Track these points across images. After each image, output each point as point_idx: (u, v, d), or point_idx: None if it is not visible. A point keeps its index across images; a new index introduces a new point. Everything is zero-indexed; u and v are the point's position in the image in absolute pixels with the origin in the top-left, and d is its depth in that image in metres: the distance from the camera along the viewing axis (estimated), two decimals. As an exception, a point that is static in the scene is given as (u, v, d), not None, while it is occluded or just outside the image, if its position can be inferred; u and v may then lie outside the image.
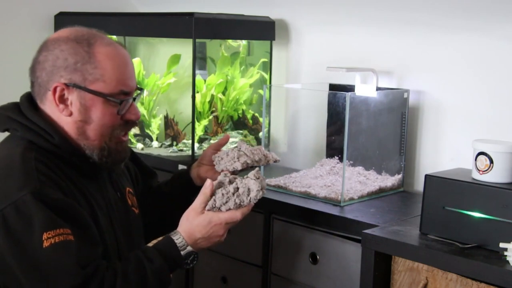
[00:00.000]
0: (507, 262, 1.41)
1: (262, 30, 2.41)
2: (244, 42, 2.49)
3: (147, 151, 2.46)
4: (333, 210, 1.85)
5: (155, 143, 2.55)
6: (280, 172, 2.19)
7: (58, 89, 1.41)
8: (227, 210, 1.50)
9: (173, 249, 1.46)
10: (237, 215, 1.51)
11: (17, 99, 1.51)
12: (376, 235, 1.61)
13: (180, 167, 2.23)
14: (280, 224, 1.95)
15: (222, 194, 1.50)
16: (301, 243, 1.89)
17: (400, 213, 1.84)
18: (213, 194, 1.51)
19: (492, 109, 1.97)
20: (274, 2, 2.48)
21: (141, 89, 1.54)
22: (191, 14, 2.17)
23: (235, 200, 1.50)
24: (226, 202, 1.50)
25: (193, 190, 1.69)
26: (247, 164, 1.66)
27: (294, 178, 2.12)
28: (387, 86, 2.17)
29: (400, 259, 1.59)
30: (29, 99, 1.48)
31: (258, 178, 1.53)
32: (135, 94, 1.51)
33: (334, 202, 1.91)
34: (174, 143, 2.49)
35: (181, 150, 2.43)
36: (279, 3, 2.47)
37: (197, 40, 2.24)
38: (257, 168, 1.58)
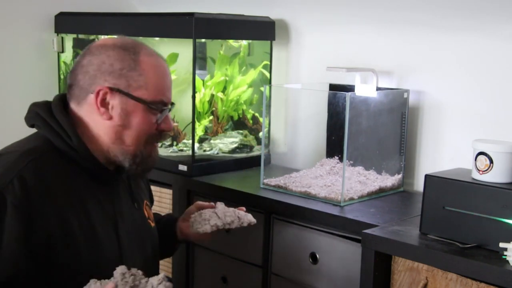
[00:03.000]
0: (507, 262, 1.41)
1: (262, 30, 2.41)
2: (245, 42, 2.49)
3: (147, 151, 2.46)
4: (333, 210, 1.85)
5: (155, 143, 2.55)
6: (280, 172, 2.19)
7: (101, 93, 1.43)
8: None
9: None
10: None
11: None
12: (376, 235, 1.61)
13: (180, 167, 2.23)
14: (280, 224, 1.95)
15: None
16: (301, 243, 1.89)
17: (400, 213, 1.84)
18: None
19: (492, 109, 1.97)
20: (274, 2, 2.48)
21: (173, 104, 1.54)
22: (191, 14, 2.17)
23: None
24: None
25: (176, 242, 1.74)
26: (217, 227, 1.59)
27: (294, 178, 2.12)
28: (387, 86, 2.16)
29: (400, 259, 1.59)
30: (62, 100, 1.49)
31: (160, 283, 1.36)
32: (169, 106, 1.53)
33: (334, 202, 1.91)
34: (174, 143, 2.49)
35: (181, 150, 2.43)
36: (279, 3, 2.47)
37: (197, 40, 2.24)
38: (162, 274, 1.40)
